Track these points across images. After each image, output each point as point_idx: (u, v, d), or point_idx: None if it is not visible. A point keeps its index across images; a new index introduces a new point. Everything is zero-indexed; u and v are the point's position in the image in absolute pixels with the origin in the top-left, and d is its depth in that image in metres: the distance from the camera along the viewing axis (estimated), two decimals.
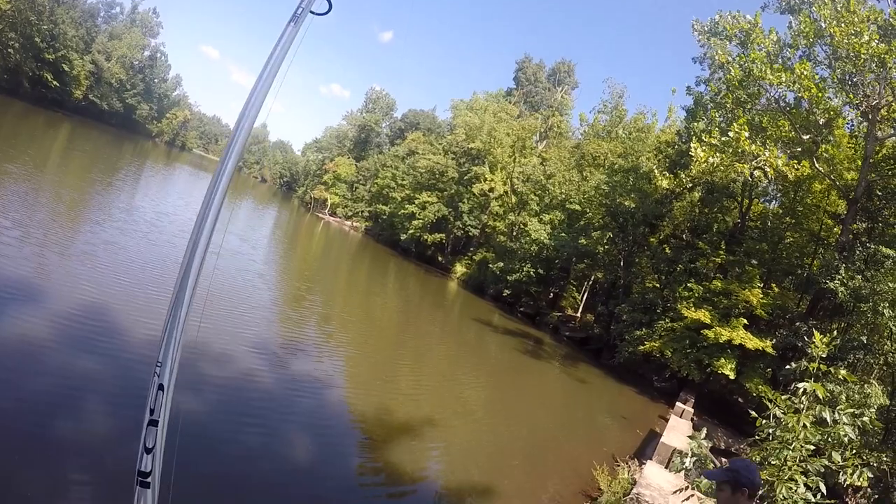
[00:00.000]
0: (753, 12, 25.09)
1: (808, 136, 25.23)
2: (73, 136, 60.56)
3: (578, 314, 44.84)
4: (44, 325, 10.29)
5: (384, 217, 72.54)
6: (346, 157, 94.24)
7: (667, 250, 34.41)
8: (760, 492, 3.42)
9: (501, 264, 46.65)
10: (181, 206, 35.11)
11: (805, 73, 22.66)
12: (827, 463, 5.85)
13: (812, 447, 5.98)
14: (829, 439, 5.98)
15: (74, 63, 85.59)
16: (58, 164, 34.69)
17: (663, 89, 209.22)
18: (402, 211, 63.99)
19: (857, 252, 23.20)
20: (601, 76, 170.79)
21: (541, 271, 43.55)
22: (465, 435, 14.29)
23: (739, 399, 26.52)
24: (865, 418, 6.12)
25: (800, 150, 25.48)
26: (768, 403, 6.48)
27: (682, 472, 6.87)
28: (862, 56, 21.79)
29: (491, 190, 55.45)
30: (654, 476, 11.85)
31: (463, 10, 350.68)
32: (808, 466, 5.95)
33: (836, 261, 23.03)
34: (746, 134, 22.51)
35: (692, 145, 23.54)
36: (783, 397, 6.20)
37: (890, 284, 19.76)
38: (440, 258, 61.55)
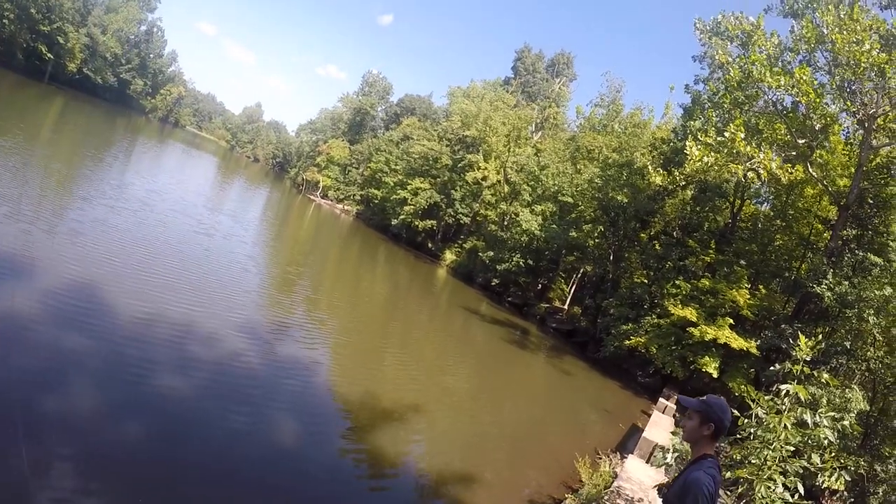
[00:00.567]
0: (756, 14, 25.11)
1: (803, 141, 25.32)
2: (65, 109, 60.08)
3: (566, 306, 45.04)
4: (28, 302, 10.19)
5: (376, 202, 72.39)
6: (340, 140, 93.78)
7: (657, 247, 34.54)
8: (724, 443, 3.42)
9: (491, 253, 46.75)
10: (172, 185, 34.99)
11: (804, 77, 22.70)
12: (806, 464, 5.94)
13: (792, 448, 6.06)
14: (809, 441, 6.07)
15: (70, 35, 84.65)
16: (49, 138, 34.31)
17: (661, 87, 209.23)
18: (394, 196, 63.88)
19: (846, 258, 23.38)
20: (600, 70, 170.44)
21: (530, 262, 43.67)
22: (448, 422, 14.39)
23: (721, 397, 26.75)
24: (846, 422, 6.21)
25: (794, 153, 25.58)
26: (751, 403, 6.56)
27: (664, 467, 6.94)
28: (862, 64, 21.84)
29: (484, 178, 55.38)
30: (635, 470, 11.95)
31: None
32: (788, 467, 6.04)
33: (824, 265, 23.21)
34: (742, 135, 22.55)
35: (687, 143, 23.55)
36: (766, 398, 6.27)
37: (876, 292, 19.93)
38: (430, 245, 61.55)
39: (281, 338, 15.28)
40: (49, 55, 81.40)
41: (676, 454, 6.73)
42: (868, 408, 17.13)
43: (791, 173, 24.03)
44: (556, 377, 26.83)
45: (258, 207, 52.74)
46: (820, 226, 29.90)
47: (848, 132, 27.65)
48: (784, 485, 5.88)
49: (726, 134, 22.61)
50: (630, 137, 40.80)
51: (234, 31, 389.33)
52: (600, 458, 13.76)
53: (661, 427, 16.60)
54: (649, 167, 29.19)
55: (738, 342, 24.90)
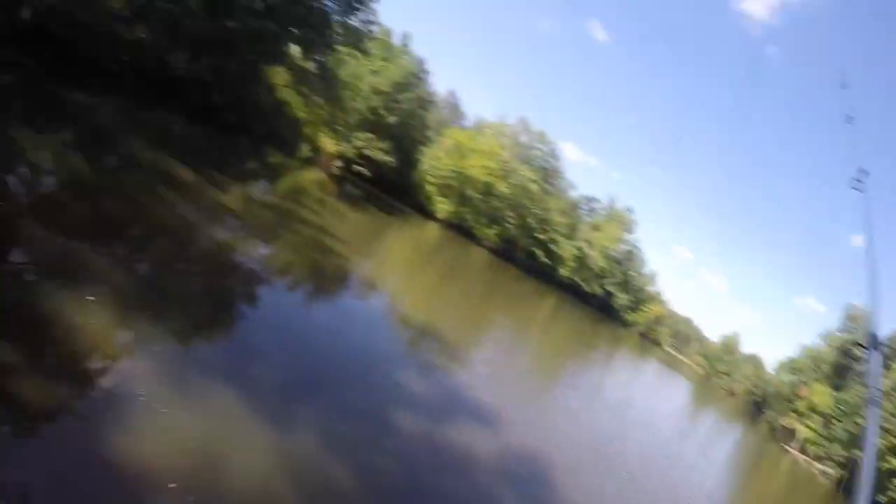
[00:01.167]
0: None
1: None
2: (558, 307, 67.24)
3: None
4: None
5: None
6: (824, 384, 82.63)
7: None
8: None
9: None
10: (640, 400, 34.97)
11: None
12: None
13: None
14: None
15: (561, 245, 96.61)
16: (541, 328, 38.06)
17: None
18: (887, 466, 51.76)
19: None
20: None
21: None
22: None
23: None
24: None
25: None
26: None
27: None
28: None
29: None
30: None
31: None
32: None
33: None
34: None
35: None
36: None
37: None
38: None
39: None
40: (545, 259, 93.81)
41: None
42: None
43: None
44: None
45: (726, 445, 48.15)
46: None
47: None
48: None
49: None
50: None
51: (706, 258, 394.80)
52: None
53: None
54: None
55: None
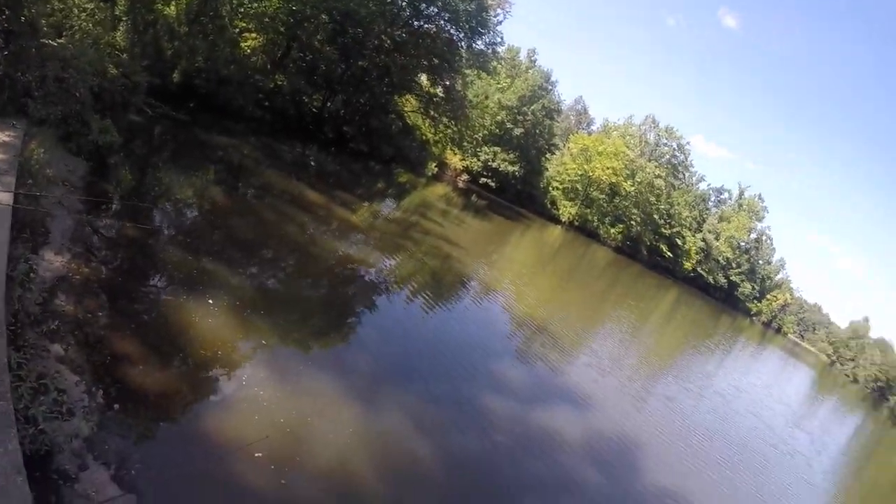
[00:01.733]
0: None
1: None
2: (678, 299, 67.60)
3: None
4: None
5: None
6: None
7: None
8: None
9: None
10: (757, 386, 34.68)
11: None
12: None
13: None
14: None
15: (687, 239, 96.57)
16: (659, 321, 38.83)
17: None
18: None
19: None
20: None
21: None
22: None
23: None
24: None
25: None
26: None
27: None
28: None
29: None
30: None
31: None
32: None
33: None
34: None
35: None
36: None
37: None
38: None
39: None
40: (668, 253, 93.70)
41: None
42: None
43: None
44: None
45: (841, 433, 46.58)
46: None
47: None
48: None
49: None
50: None
51: (844, 242, 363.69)
52: None
53: None
54: None
55: None
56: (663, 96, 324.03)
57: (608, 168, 78.77)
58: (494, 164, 70.53)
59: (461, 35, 44.44)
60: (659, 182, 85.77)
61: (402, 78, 42.92)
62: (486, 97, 66.68)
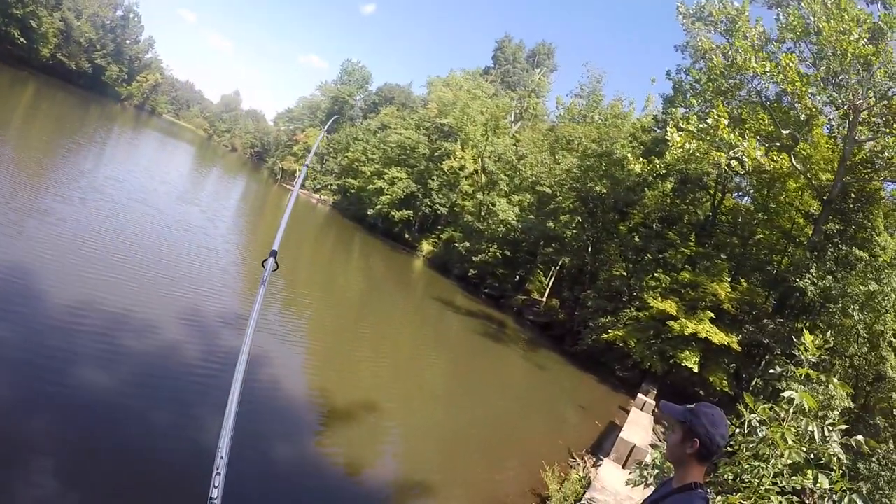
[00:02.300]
0: (740, 2, 24.36)
1: (787, 132, 24.72)
2: (38, 95, 58.26)
3: (544, 299, 44.28)
4: None
5: (352, 191, 70.88)
6: (318, 129, 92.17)
7: (636, 239, 33.77)
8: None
9: (468, 244, 45.86)
10: (137, 173, 33.33)
11: (790, 65, 22.03)
12: (809, 485, 5.04)
13: (789, 463, 5.14)
14: (812, 457, 5.17)
15: (43, 20, 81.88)
16: (20, 125, 32.85)
17: (643, 79, 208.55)
18: (371, 186, 62.49)
19: (829, 253, 22.85)
20: (581, 61, 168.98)
21: (507, 253, 42.87)
22: (422, 419, 13.94)
23: (701, 392, 26.09)
24: (830, 421, 5.31)
25: (778, 144, 24.94)
26: (744, 410, 5.62)
27: (641, 485, 6.02)
28: (849, 55, 21.20)
29: (461, 168, 54.36)
30: (609, 477, 11.08)
31: None
32: (786, 484, 5.15)
33: (806, 260, 22.63)
34: (726, 121, 21.81)
35: (668, 129, 22.83)
36: (765, 405, 5.33)
37: (861, 287, 19.39)
38: (407, 235, 60.39)
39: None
40: (22, 39, 78.38)
41: (656, 471, 5.80)
42: (851, 405, 16.51)
43: (776, 161, 23.32)
44: (532, 371, 26.03)
45: (233, 198, 51.26)
46: (802, 220, 29.36)
47: (831, 126, 27.03)
48: None
49: (709, 120, 21.86)
50: (609, 128, 39.94)
51: (213, 20, 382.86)
52: (574, 461, 12.93)
53: (639, 426, 15.82)
54: (629, 156, 28.37)
55: (718, 336, 24.21)
56: None
57: None
58: None
59: None
60: None
61: None
62: None
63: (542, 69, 78.74)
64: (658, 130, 34.23)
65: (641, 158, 28.30)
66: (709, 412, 2.57)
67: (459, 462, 11.91)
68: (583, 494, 10.08)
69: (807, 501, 14.40)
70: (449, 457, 12.03)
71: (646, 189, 34.75)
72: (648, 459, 6.28)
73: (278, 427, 9.95)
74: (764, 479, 5.03)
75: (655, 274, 28.96)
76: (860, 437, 5.08)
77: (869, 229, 24.73)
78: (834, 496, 4.90)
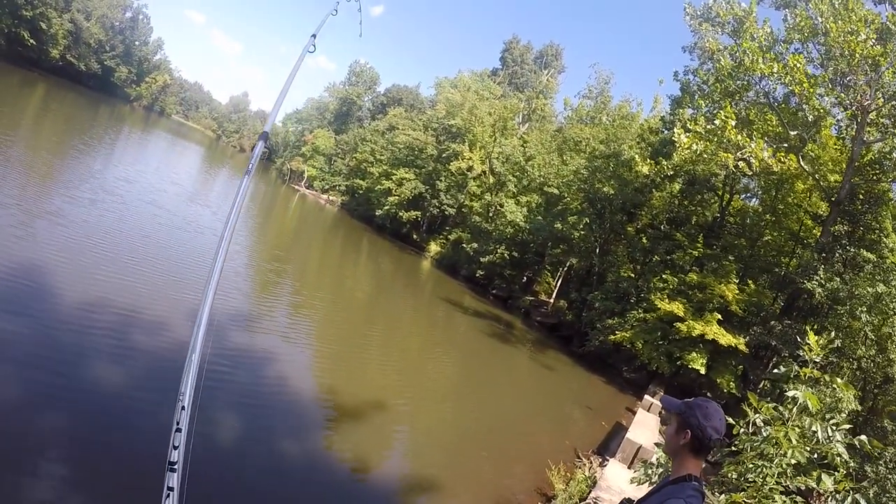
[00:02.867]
0: (748, 3, 24.31)
1: (795, 133, 24.68)
2: (47, 96, 58.40)
3: (551, 300, 44.28)
4: None
5: (360, 192, 71.10)
6: (326, 130, 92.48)
7: (644, 240, 33.79)
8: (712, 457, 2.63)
9: (475, 245, 45.90)
10: (148, 174, 33.54)
11: (798, 65, 21.99)
12: (812, 484, 5.09)
13: (793, 463, 5.19)
14: (816, 457, 5.22)
15: (52, 21, 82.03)
16: (30, 126, 33.09)
17: (651, 80, 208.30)
18: (379, 186, 62.78)
19: (837, 254, 22.79)
20: (589, 63, 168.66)
21: (515, 254, 42.89)
22: (429, 419, 14.02)
23: (708, 394, 26.04)
24: (836, 422, 5.35)
25: (786, 146, 24.87)
26: (748, 410, 5.68)
27: (646, 483, 6.08)
28: (856, 55, 21.16)
29: (469, 169, 54.39)
30: (616, 477, 11.12)
31: None
32: (790, 484, 5.21)
33: (814, 261, 22.57)
34: (733, 122, 21.80)
35: (676, 131, 22.79)
36: (769, 405, 5.39)
37: (868, 289, 19.33)
38: (415, 236, 60.57)
39: (260, 332, 14.52)
40: (31, 41, 78.54)
41: (661, 470, 5.86)
42: (858, 407, 16.45)
43: (784, 162, 23.26)
44: (539, 372, 26.07)
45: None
46: (810, 221, 29.26)
47: (839, 127, 26.94)
48: None
49: (716, 122, 21.85)
50: (617, 129, 39.89)
51: (221, 21, 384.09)
52: (580, 461, 12.97)
53: (645, 427, 15.84)
54: (637, 157, 28.38)
55: (726, 338, 24.16)
56: None
57: None
58: None
59: None
60: None
61: None
62: None
63: (550, 70, 78.65)
64: (666, 132, 34.13)
65: (649, 160, 28.34)
66: (703, 405, 2.65)
67: (466, 461, 11.94)
68: (588, 494, 10.14)
69: (811, 502, 14.42)
70: (456, 455, 12.08)
71: (653, 190, 34.77)
72: (653, 459, 6.34)
73: (288, 425, 10.07)
74: (768, 479, 5.08)
75: (663, 275, 28.95)
76: (863, 437, 5.11)
77: (877, 231, 24.62)
78: (837, 496, 4.94)
